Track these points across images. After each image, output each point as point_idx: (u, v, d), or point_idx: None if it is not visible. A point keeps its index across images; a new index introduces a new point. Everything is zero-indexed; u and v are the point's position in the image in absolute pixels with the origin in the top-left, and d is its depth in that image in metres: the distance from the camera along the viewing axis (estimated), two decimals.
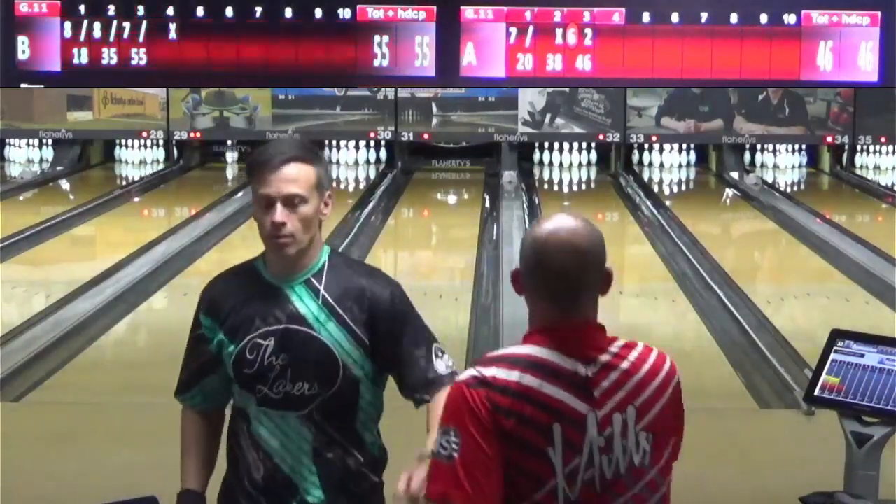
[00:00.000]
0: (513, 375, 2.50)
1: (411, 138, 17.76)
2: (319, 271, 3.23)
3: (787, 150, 18.24)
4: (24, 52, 13.65)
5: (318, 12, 13.39)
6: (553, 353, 2.54)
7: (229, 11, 13.38)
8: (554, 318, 2.57)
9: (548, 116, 17.59)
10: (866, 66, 13.62)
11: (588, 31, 13.53)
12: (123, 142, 18.37)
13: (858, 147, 18.02)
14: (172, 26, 13.38)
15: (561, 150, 18.10)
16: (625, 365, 2.57)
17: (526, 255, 2.57)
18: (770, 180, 17.34)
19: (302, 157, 3.17)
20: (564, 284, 2.55)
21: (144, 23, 13.42)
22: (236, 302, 3.23)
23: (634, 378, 2.56)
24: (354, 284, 3.22)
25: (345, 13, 13.50)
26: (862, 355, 4.12)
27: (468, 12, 13.82)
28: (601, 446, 2.51)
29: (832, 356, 4.15)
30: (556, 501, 2.50)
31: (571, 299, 2.57)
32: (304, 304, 3.21)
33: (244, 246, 12.99)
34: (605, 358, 2.56)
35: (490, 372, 2.51)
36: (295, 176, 3.13)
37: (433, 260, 12.90)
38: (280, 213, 3.12)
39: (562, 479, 2.49)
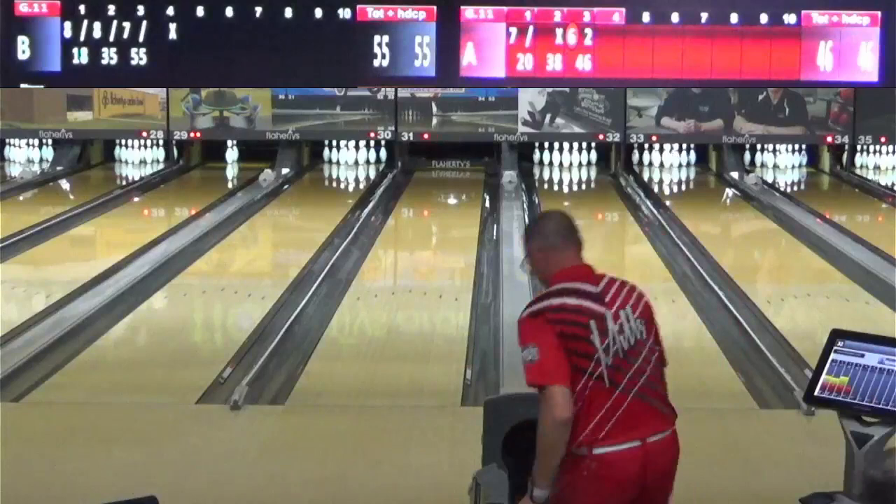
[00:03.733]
0: (556, 301, 3.98)
1: (411, 138, 17.76)
2: None
3: (787, 150, 18.24)
4: (24, 52, 13.64)
5: (319, 12, 13.38)
6: (573, 282, 4.02)
7: (229, 11, 13.37)
8: (566, 262, 4.09)
9: (548, 116, 17.59)
10: (866, 66, 13.61)
11: (588, 31, 13.52)
12: (123, 142, 18.37)
13: (858, 147, 18.01)
14: (172, 26, 13.37)
15: (561, 150, 18.10)
16: (616, 284, 4.07)
17: (538, 232, 4.16)
18: (770, 180, 17.33)
19: None
20: (565, 242, 4.11)
21: (144, 23, 13.41)
22: None
23: (623, 290, 4.07)
24: None
25: (345, 13, 13.49)
26: (862, 355, 4.11)
27: (468, 12, 13.80)
28: (617, 330, 3.97)
29: (832, 356, 4.14)
30: (601, 366, 3.91)
31: (574, 250, 4.10)
32: None
33: (244, 246, 12.97)
34: (603, 281, 4.07)
35: (542, 304, 3.98)
36: None
37: (433, 260, 12.89)
38: None
39: (601, 352, 3.93)
